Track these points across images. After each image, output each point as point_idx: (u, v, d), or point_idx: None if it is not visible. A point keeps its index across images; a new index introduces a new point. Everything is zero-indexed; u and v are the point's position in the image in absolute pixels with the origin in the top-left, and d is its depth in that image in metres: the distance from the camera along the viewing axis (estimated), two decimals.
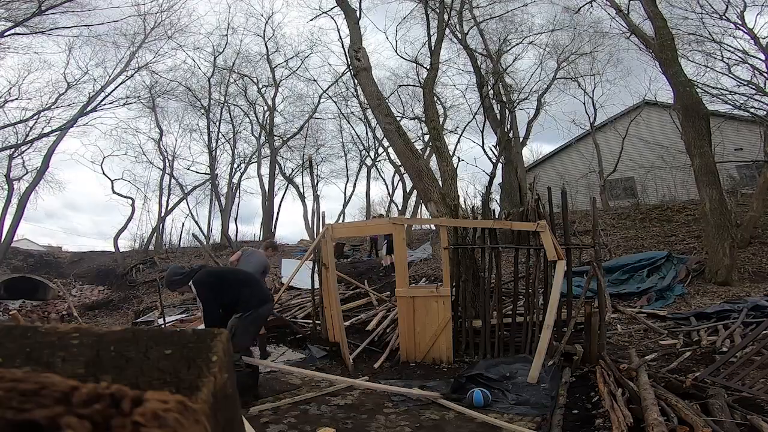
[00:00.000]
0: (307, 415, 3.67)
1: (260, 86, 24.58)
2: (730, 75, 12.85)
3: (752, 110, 11.25)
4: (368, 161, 27.26)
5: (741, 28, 13.29)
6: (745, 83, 12.22)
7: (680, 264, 8.83)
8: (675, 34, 10.85)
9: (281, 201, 26.39)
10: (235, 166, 24.95)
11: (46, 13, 14.66)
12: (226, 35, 22.90)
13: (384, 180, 28.10)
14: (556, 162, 20.93)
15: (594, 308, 4.70)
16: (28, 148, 18.54)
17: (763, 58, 12.50)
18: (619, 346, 5.48)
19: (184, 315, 8.85)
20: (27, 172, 19.11)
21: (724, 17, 13.25)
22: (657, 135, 16.79)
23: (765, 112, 11.31)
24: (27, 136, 17.77)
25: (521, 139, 18.59)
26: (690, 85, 9.61)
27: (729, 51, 13.25)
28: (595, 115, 20.43)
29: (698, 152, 9.07)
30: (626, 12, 11.92)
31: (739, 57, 13.09)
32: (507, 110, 16.94)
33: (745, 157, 13.82)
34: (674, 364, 4.44)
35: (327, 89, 24.62)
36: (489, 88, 16.62)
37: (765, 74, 12.32)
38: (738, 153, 14.60)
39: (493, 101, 16.68)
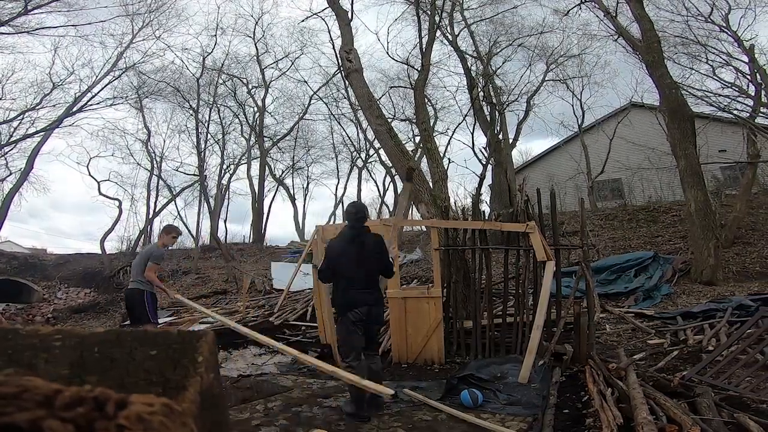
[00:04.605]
0: (299, 417, 3.64)
1: (250, 87, 24.46)
2: (714, 77, 13.09)
3: (736, 112, 11.45)
4: (359, 162, 27.28)
5: (725, 30, 13.54)
6: (729, 85, 12.45)
7: (666, 264, 8.96)
8: (661, 36, 11.00)
9: (271, 202, 26.31)
10: (225, 167, 24.78)
11: (32, 12, 14.41)
12: (215, 36, 22.76)
13: (375, 181, 28.22)
14: (545, 163, 21.12)
15: (583, 308, 4.75)
16: (12, 149, 18.17)
17: (746, 60, 12.75)
18: (607, 345, 5.53)
19: (172, 318, 8.77)
20: (10, 173, 18.70)
21: (709, 20, 13.49)
22: (643, 137, 17.00)
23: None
24: (11, 136, 17.39)
25: (511, 141, 18.71)
26: (675, 88, 9.75)
27: (714, 53, 13.50)
28: (583, 116, 20.68)
29: (683, 154, 9.21)
30: (614, 14, 12.07)
31: (724, 59, 13.34)
32: (497, 112, 17.04)
33: (728, 158, 14.04)
34: (662, 363, 4.49)
35: (317, 90, 24.60)
36: (479, 89, 16.70)
37: (748, 77, 12.56)
38: (722, 155, 14.83)
39: (483, 103, 16.76)
